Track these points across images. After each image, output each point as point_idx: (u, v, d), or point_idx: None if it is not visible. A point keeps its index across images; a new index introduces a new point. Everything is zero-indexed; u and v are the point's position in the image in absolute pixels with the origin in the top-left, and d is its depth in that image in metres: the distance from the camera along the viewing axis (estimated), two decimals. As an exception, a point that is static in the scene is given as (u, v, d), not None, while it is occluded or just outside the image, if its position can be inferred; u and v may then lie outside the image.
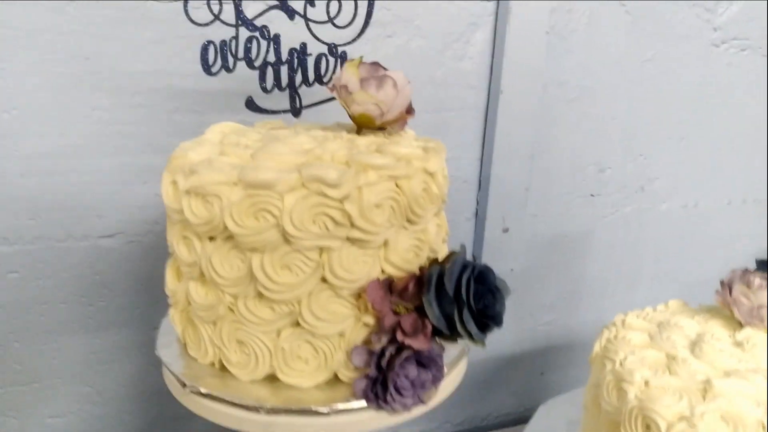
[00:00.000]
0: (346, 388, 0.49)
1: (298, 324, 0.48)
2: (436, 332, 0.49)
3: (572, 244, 1.03)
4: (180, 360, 0.53)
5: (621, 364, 0.58)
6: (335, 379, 0.50)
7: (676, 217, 1.09)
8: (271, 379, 0.50)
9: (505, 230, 0.95)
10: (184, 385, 0.50)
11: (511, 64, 0.86)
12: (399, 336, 0.47)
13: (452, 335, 0.48)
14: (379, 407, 0.48)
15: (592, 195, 1.02)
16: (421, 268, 0.49)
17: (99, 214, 0.75)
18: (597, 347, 0.64)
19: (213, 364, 0.51)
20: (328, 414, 0.47)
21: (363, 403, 0.48)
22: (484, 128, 0.92)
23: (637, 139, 1.01)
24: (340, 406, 0.48)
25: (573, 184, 1.00)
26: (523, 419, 1.04)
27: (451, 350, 0.54)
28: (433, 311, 0.47)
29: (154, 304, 0.81)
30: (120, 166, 0.74)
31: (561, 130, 0.95)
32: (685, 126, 1.04)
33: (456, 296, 0.47)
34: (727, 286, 0.66)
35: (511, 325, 1.04)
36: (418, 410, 0.50)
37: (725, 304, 0.66)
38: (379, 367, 0.47)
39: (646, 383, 0.55)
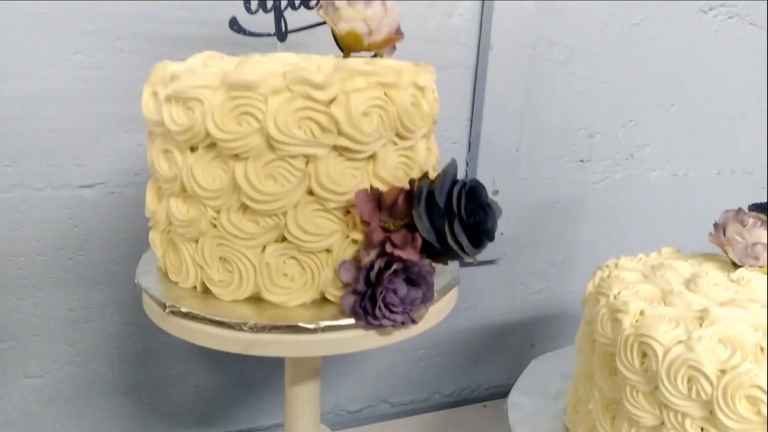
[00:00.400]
0: (334, 308, 0.47)
1: (283, 239, 0.46)
2: (427, 250, 0.47)
3: (562, 210, 1.02)
4: (160, 285, 0.51)
5: (615, 297, 0.57)
6: (322, 299, 0.48)
7: (666, 186, 1.09)
8: (256, 300, 0.48)
9: (495, 192, 0.94)
10: (164, 307, 0.48)
11: (501, 19, 0.85)
12: (388, 247, 0.45)
13: (443, 250, 0.46)
14: (367, 324, 0.46)
15: (582, 160, 1.01)
16: (410, 182, 0.48)
17: (79, 163, 0.73)
18: (590, 287, 0.63)
19: (195, 288, 0.49)
20: (314, 331, 0.45)
21: (351, 320, 0.46)
22: (474, 87, 0.91)
23: (626, 105, 1.01)
24: (327, 322, 0.46)
25: (563, 148, 0.99)
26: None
27: (442, 279, 0.53)
28: (423, 224, 0.46)
29: (136, 259, 0.78)
30: (102, 114, 0.72)
31: (551, 92, 0.95)
32: (674, 93, 1.03)
33: (447, 209, 0.46)
34: (720, 227, 0.65)
35: (502, 294, 1.03)
36: (408, 331, 0.48)
37: (719, 245, 0.65)
38: (367, 281, 0.45)
39: (642, 313, 0.54)
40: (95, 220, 0.75)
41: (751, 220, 0.64)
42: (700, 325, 0.51)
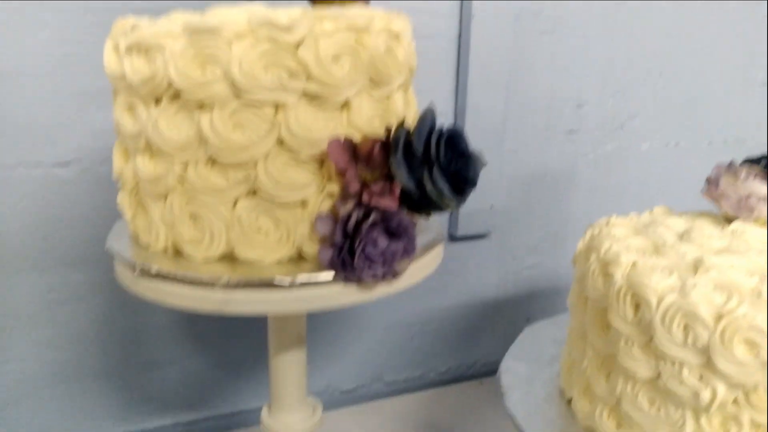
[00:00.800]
0: (312, 265, 0.45)
1: (255, 192, 0.44)
2: (406, 202, 0.45)
3: (553, 183, 1.00)
4: (130, 249, 0.49)
5: (606, 252, 0.55)
6: (299, 257, 0.46)
7: (657, 157, 1.07)
8: (230, 258, 0.46)
9: (483, 164, 0.92)
10: (134, 268, 0.46)
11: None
12: (365, 197, 0.43)
13: (423, 201, 0.44)
14: (346, 278, 0.44)
15: (570, 131, 0.99)
16: (387, 131, 0.46)
17: (52, 141, 0.71)
18: (580, 245, 0.61)
19: (166, 250, 0.47)
20: (290, 287, 0.43)
21: (329, 275, 0.44)
22: (458, 58, 0.89)
23: (614, 75, 0.99)
24: (304, 278, 0.44)
25: (550, 119, 0.97)
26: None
27: (425, 236, 0.51)
28: (401, 173, 0.44)
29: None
30: (73, 90, 0.70)
31: (536, 62, 0.93)
32: (662, 62, 1.02)
33: (425, 157, 0.44)
34: (713, 180, 0.64)
35: (494, 269, 1.01)
36: (390, 287, 0.46)
37: (713, 200, 0.63)
38: (345, 233, 0.43)
39: (633, 265, 0.52)
40: (70, 199, 0.73)
41: (744, 172, 0.62)
42: (695, 274, 0.49)
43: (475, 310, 1.01)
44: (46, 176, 0.71)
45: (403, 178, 0.44)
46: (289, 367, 0.59)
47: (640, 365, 0.49)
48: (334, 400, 0.94)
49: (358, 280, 0.44)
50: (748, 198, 0.61)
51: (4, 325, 0.74)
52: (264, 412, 0.61)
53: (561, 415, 0.59)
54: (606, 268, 0.53)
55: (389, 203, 0.43)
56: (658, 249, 0.54)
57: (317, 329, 0.90)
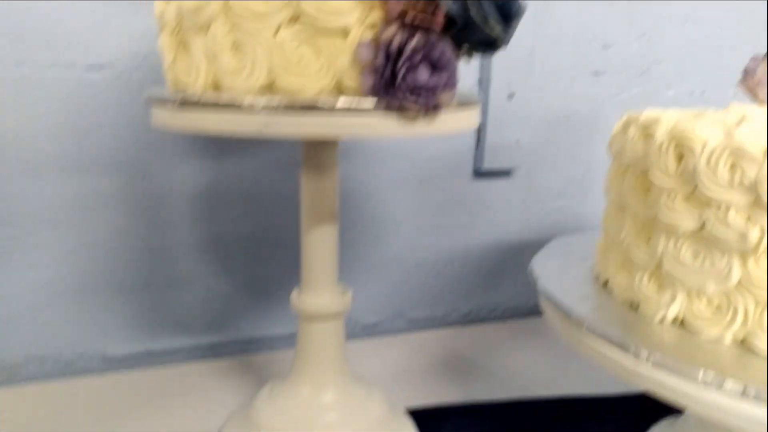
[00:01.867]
0: (353, 94, 0.45)
1: (297, 19, 0.44)
2: (449, 30, 0.45)
3: (579, 123, 1.00)
4: (170, 91, 0.49)
5: (646, 118, 0.54)
6: (339, 90, 0.46)
7: (683, 104, 1.06)
8: (270, 89, 0.45)
9: (511, 95, 0.92)
10: (175, 102, 0.45)
11: None
12: (408, 17, 0.43)
13: (466, 27, 0.44)
14: (387, 105, 0.44)
15: (596, 73, 0.99)
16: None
17: (86, 45, 0.72)
18: (617, 127, 0.60)
19: (206, 88, 0.47)
20: (331, 111, 0.43)
21: (370, 102, 0.44)
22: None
23: (639, 17, 0.99)
24: (345, 102, 0.43)
25: (576, 59, 0.97)
26: (533, 312, 0.99)
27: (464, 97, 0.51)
28: (445, -3, 0.43)
29: (146, 146, 0.76)
30: (108, -7, 0.71)
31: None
32: (687, 8, 1.02)
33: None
34: (750, 71, 0.63)
35: (518, 211, 1.00)
36: (430, 126, 0.46)
37: (749, 90, 0.63)
38: (387, 56, 0.43)
39: (676, 122, 0.51)
40: (102, 105, 0.74)
41: (781, 61, 0.62)
42: (738, 125, 0.48)
43: (498, 252, 1.00)
44: (78, 80, 0.72)
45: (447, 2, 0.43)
46: (320, 245, 0.58)
47: (684, 217, 0.48)
48: (355, 334, 0.93)
49: (399, 108, 0.44)
50: (787, 84, 0.60)
51: (30, 230, 0.74)
52: (294, 295, 0.61)
53: (598, 293, 0.57)
54: (647, 130, 0.52)
55: (433, 22, 0.43)
56: (699, 115, 0.54)
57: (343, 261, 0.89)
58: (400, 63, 0.43)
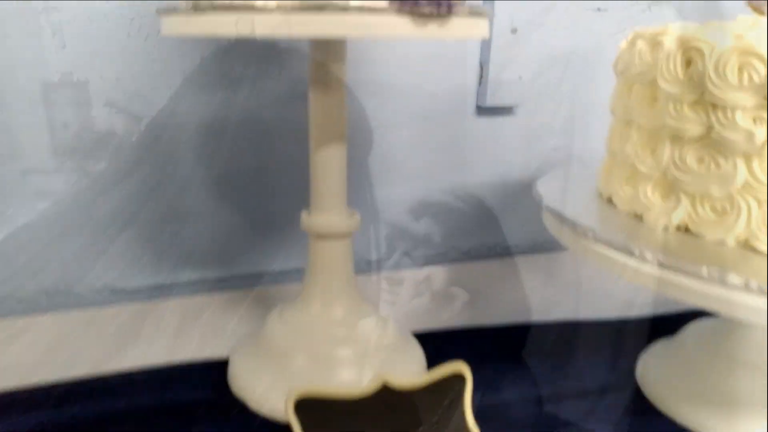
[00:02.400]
0: (364, 1, 0.45)
1: None
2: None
3: (581, 61, 1.00)
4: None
5: (653, 31, 0.54)
6: (351, -5, 0.46)
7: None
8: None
9: (514, 30, 0.92)
10: (186, 5, 0.45)
11: None
12: None
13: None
14: (401, 5, 0.44)
15: (598, 9, 0.99)
16: None
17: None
18: (623, 44, 0.61)
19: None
20: (344, 11, 0.43)
21: (384, 2, 0.44)
22: None
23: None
24: (358, 4, 0.43)
25: (579, -8, 0.96)
26: (531, 250, 1.01)
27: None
28: None
29: (147, 82, 0.76)
30: None
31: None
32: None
33: None
34: (755, -10, 0.63)
35: (520, 150, 1.00)
36: (441, 27, 0.46)
37: (755, 9, 0.63)
38: (400, -45, 0.43)
39: (683, 31, 0.51)
40: (112, 39, 0.73)
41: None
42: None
43: (497, 190, 1.00)
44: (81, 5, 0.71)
45: None
46: (329, 165, 0.59)
47: (690, 123, 0.49)
48: (358, 271, 0.94)
49: (412, 9, 0.44)
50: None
51: (37, 164, 0.74)
52: (303, 215, 0.61)
53: (602, 207, 0.59)
54: (654, 39, 0.53)
55: None
56: (707, 25, 0.54)
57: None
58: (414, -37, 0.43)
